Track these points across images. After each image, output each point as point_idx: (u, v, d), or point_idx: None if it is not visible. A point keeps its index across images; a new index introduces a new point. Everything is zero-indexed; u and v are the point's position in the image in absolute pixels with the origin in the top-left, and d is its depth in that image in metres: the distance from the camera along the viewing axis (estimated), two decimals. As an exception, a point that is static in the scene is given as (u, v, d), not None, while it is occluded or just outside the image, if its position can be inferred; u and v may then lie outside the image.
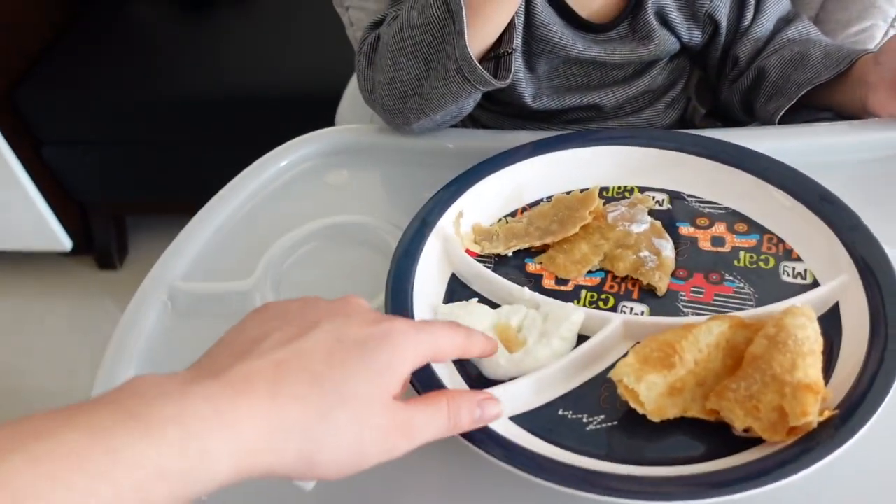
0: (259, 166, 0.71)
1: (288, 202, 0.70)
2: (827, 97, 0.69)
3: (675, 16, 0.73)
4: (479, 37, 0.64)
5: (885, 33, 0.78)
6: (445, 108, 0.67)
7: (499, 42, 0.66)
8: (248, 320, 0.42)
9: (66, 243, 1.89)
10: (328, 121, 1.00)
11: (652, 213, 0.61)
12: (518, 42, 0.73)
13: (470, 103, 0.69)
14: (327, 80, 1.32)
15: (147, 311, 0.60)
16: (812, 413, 0.43)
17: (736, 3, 0.74)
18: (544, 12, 0.73)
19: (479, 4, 0.63)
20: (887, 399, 0.44)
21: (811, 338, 0.47)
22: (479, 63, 0.63)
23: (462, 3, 0.62)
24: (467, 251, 0.60)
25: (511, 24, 0.65)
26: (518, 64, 0.74)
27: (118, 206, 1.92)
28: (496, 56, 0.66)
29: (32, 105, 1.68)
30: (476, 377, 0.52)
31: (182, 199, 1.79)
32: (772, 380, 0.45)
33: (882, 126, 0.66)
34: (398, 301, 0.54)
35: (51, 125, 1.72)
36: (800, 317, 0.48)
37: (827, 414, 0.44)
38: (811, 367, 0.45)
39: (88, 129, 1.72)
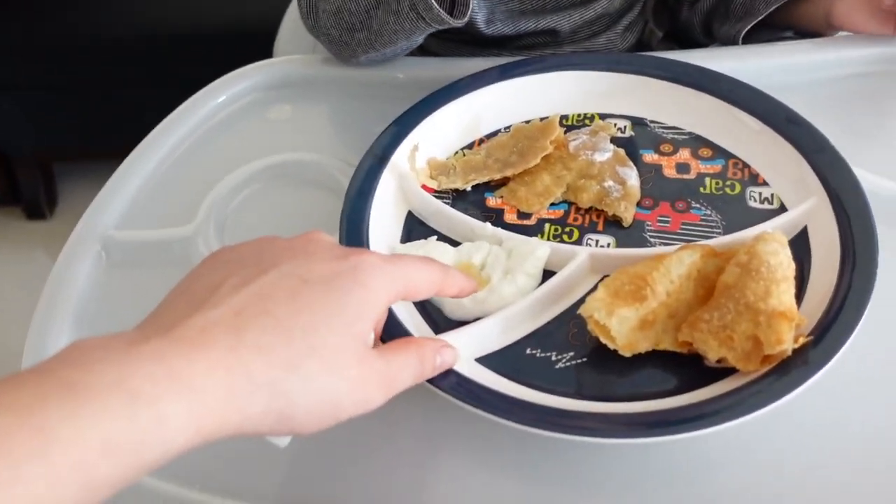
0: (194, 103, 0.67)
1: (228, 141, 0.65)
2: (790, 15, 0.67)
3: None
4: None
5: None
6: (396, 43, 0.63)
7: None
8: (199, 267, 0.38)
9: (-11, 194, 1.80)
10: (266, 54, 0.94)
11: (614, 140, 0.59)
12: None
13: (421, 38, 0.65)
14: (262, 9, 1.25)
15: (79, 264, 0.55)
16: (787, 340, 0.42)
17: None
18: None
19: None
20: (860, 324, 0.43)
21: (784, 264, 0.45)
22: None
23: None
24: (423, 187, 0.57)
25: None
26: None
27: (44, 154, 1.81)
28: None
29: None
30: (439, 319, 0.49)
31: (113, 144, 1.70)
32: (745, 308, 0.44)
33: (843, 44, 0.65)
34: (353, 243, 0.51)
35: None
36: (771, 243, 0.46)
37: (802, 340, 0.43)
38: (785, 294, 0.44)
39: (11, 72, 1.60)
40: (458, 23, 0.61)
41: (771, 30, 0.68)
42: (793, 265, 0.46)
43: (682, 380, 0.45)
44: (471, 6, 0.61)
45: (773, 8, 0.66)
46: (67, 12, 1.56)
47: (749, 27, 0.67)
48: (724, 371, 0.44)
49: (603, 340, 0.45)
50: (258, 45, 1.02)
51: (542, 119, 0.60)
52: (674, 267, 0.47)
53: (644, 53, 0.65)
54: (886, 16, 0.62)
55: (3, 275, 1.78)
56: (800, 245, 0.50)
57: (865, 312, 0.43)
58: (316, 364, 0.34)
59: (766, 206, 0.54)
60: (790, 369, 0.42)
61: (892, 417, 0.44)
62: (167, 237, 0.57)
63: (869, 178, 0.53)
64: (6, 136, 1.73)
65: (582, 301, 0.48)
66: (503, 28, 0.73)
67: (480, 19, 0.72)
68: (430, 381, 0.43)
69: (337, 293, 0.36)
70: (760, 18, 0.66)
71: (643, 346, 0.45)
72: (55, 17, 1.56)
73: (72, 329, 0.52)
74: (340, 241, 0.51)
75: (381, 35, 0.63)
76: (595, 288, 0.48)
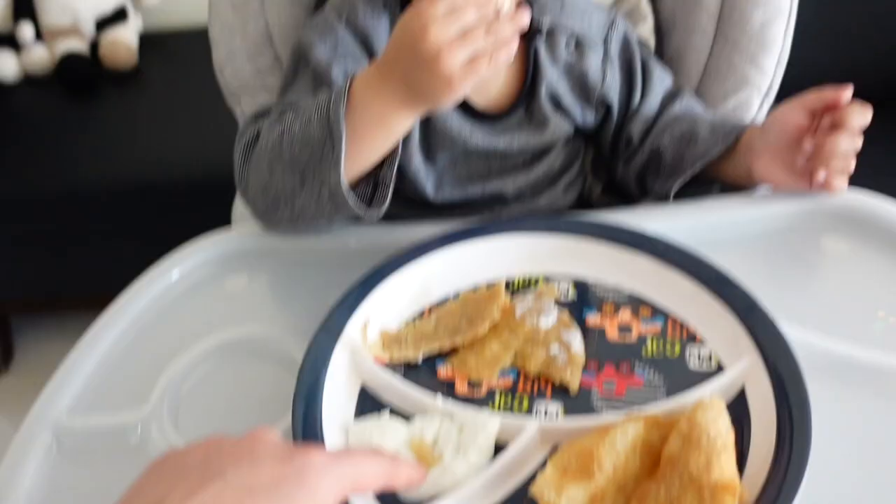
0: (150, 279, 0.68)
1: (183, 315, 0.66)
2: (716, 171, 0.72)
3: (569, 100, 0.75)
4: (358, 161, 0.62)
5: (761, 104, 0.81)
6: (318, 223, 0.66)
7: (381, 163, 0.65)
8: (143, 478, 0.38)
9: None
10: (226, 205, 0.96)
11: (558, 302, 0.61)
12: (416, 136, 0.73)
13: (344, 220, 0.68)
14: (221, 164, 1.29)
15: (28, 458, 0.55)
16: (731, 512, 0.43)
17: (625, 85, 0.76)
18: None
19: (363, 131, 0.61)
20: (799, 492, 0.44)
21: (723, 433, 0.47)
22: (358, 183, 0.63)
23: (343, 129, 0.60)
24: (376, 359, 0.58)
25: (395, 151, 0.64)
26: (417, 158, 0.74)
27: (1, 306, 1.78)
28: (376, 180, 0.65)
29: None
30: (392, 500, 0.49)
31: (72, 296, 1.71)
32: (689, 481, 0.45)
33: (767, 201, 0.69)
34: (308, 423, 0.52)
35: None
36: (710, 411, 0.48)
37: (744, 509, 0.44)
38: (726, 465, 0.45)
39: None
40: (373, 216, 0.64)
41: (700, 184, 0.73)
42: (731, 432, 0.48)
43: (635, 556, 0.45)
44: (387, 202, 0.64)
45: (699, 167, 0.70)
46: (26, 166, 1.59)
47: (681, 184, 0.71)
48: (675, 544, 0.45)
49: (553, 518, 0.46)
50: (219, 193, 1.05)
51: (488, 286, 0.63)
52: (619, 440, 0.48)
53: (583, 216, 0.68)
54: (801, 172, 0.66)
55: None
56: (739, 406, 0.52)
57: (804, 478, 0.45)
58: None
59: (705, 367, 0.56)
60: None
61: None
62: (121, 422, 0.57)
63: (798, 334, 0.55)
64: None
65: (533, 476, 0.48)
66: (451, 195, 0.76)
67: (429, 188, 0.76)
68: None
69: (282, 500, 0.36)
70: (690, 175, 0.70)
71: (594, 523, 0.46)
72: (12, 171, 1.58)
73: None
74: (294, 423, 0.52)
75: (303, 215, 0.65)
76: (545, 463, 0.49)
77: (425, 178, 0.76)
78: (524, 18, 0.56)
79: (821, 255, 0.66)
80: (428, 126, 0.73)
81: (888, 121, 1.40)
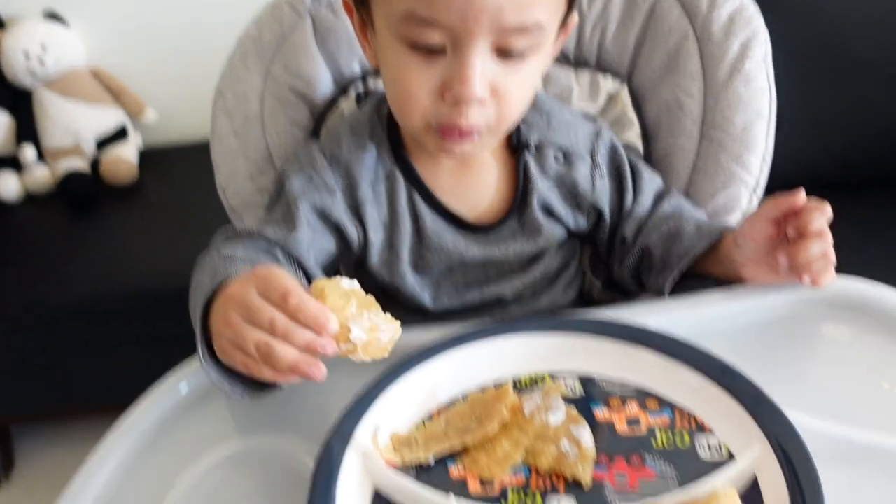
0: (159, 393, 0.68)
1: (193, 428, 0.66)
2: (707, 267, 0.74)
3: (561, 209, 0.78)
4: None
5: (749, 199, 0.85)
6: None
7: None
8: None
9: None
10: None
11: (565, 398, 0.62)
12: (405, 255, 0.76)
13: None
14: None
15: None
16: None
17: (616, 190, 0.80)
18: (434, 223, 0.76)
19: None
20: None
21: (740, 523, 0.47)
22: None
23: (198, 329, 0.59)
24: (388, 462, 0.58)
25: None
26: (410, 275, 0.77)
27: (2, 418, 1.76)
28: None
29: None
30: None
31: (74, 407, 1.70)
32: (710, 575, 0.45)
33: (760, 291, 0.70)
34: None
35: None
36: (724, 501, 0.48)
37: None
38: (745, 556, 0.45)
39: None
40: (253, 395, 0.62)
41: (696, 279, 0.75)
42: (748, 522, 0.48)
43: None
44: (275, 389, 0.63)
45: (686, 265, 0.72)
46: (28, 282, 1.61)
47: (673, 280, 0.73)
48: None
49: None
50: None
51: (496, 386, 0.63)
52: (636, 535, 0.48)
53: (584, 315, 0.70)
54: (787, 272, 0.68)
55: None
56: (753, 496, 0.52)
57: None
58: None
59: (715, 456, 0.56)
60: None
61: None
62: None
63: (804, 419, 0.56)
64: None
65: (552, 577, 0.48)
66: (450, 303, 0.78)
67: (427, 298, 0.78)
68: None
69: None
70: (679, 272, 0.73)
71: None
72: (14, 287, 1.60)
73: None
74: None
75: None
76: (563, 563, 0.48)
77: (421, 291, 0.78)
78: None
79: (822, 341, 0.67)
80: (422, 242, 0.76)
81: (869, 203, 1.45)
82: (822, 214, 0.64)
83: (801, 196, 0.65)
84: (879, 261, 1.31)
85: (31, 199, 1.84)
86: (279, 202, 0.75)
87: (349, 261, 0.78)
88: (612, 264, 0.82)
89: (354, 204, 0.74)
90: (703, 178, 0.85)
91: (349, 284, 0.56)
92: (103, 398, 1.53)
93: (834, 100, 1.57)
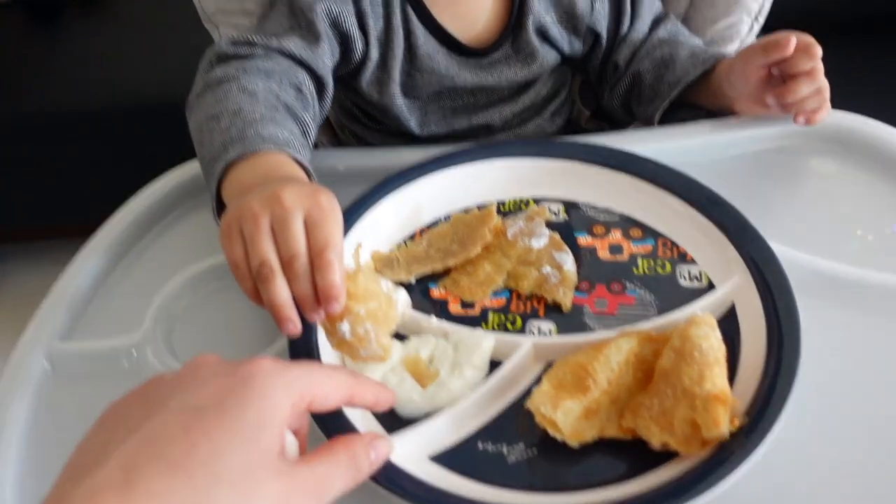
0: (135, 205, 0.67)
1: (172, 241, 0.66)
2: (699, 97, 0.71)
3: (556, 32, 0.73)
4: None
5: (750, 27, 0.81)
6: None
7: None
8: (88, 434, 0.36)
9: None
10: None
11: (549, 224, 0.62)
12: (396, 77, 0.71)
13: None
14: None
15: (23, 381, 0.55)
16: (723, 423, 0.44)
17: (614, 12, 0.75)
18: (427, 43, 0.71)
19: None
20: (789, 402, 0.46)
21: (715, 347, 0.48)
22: None
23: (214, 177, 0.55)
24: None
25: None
26: (399, 98, 0.73)
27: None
28: None
29: None
30: (390, 416, 0.50)
31: (50, 224, 1.69)
32: (682, 394, 0.46)
33: (751, 123, 0.69)
34: (301, 343, 0.52)
35: None
36: (703, 326, 0.49)
37: (737, 423, 0.45)
38: (718, 377, 0.46)
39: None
40: None
41: (688, 109, 0.73)
42: (723, 347, 0.49)
43: (630, 465, 0.47)
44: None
45: (676, 93, 0.70)
46: (9, 88, 1.55)
47: (663, 109, 0.71)
48: (669, 454, 0.46)
49: (551, 433, 0.47)
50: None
51: (479, 207, 0.62)
52: (613, 355, 0.49)
53: (572, 138, 0.68)
54: (779, 109, 0.66)
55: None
56: (730, 323, 0.53)
57: (794, 388, 0.46)
58: (225, 492, 0.32)
59: (695, 284, 0.57)
60: (730, 452, 0.44)
61: (832, 479, 0.47)
62: (115, 346, 0.57)
63: (785, 251, 0.56)
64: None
65: (528, 392, 0.49)
66: (437, 129, 0.75)
67: (414, 124, 0.75)
68: (385, 485, 0.44)
69: (231, 410, 0.34)
70: (669, 101, 0.70)
71: (589, 435, 0.47)
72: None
73: (19, 453, 0.51)
74: (289, 343, 0.52)
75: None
76: (539, 379, 0.49)
77: (409, 115, 0.74)
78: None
79: (809, 175, 0.66)
80: (412, 63, 0.72)
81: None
82: (809, 58, 0.62)
83: (789, 43, 0.62)
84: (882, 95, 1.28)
85: (-10, 5, 1.73)
86: (279, 8, 0.69)
87: (338, 74, 0.73)
88: (602, 92, 0.79)
89: (359, 12, 0.69)
90: (704, 3, 0.80)
91: (387, 288, 0.50)
92: (79, 214, 1.51)
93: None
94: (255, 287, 0.46)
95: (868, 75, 1.30)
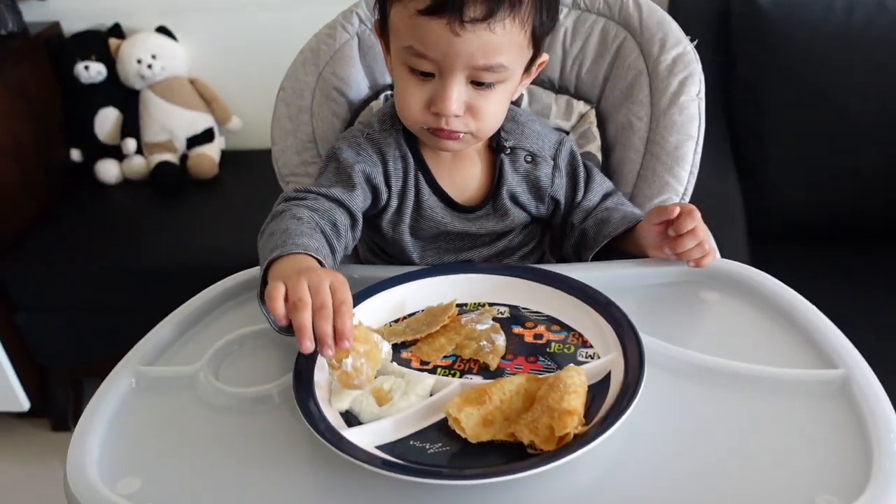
0: (201, 295, 0.95)
1: (225, 316, 0.92)
2: (627, 246, 0.96)
3: (525, 198, 1.01)
4: None
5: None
6: None
7: None
8: None
9: (24, 404, 2.01)
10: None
11: (494, 318, 0.85)
12: (407, 221, 0.99)
13: None
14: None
15: (114, 392, 0.80)
16: (570, 428, 0.65)
17: (570, 187, 1.02)
18: (430, 199, 0.99)
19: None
20: (619, 422, 0.66)
21: (577, 384, 0.69)
22: None
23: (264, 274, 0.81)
24: (359, 345, 0.82)
25: None
26: (407, 236, 1.01)
27: (77, 370, 2.07)
28: None
29: (12, 275, 1.90)
30: (355, 420, 0.72)
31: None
32: (546, 409, 0.67)
33: (655, 262, 0.92)
34: (303, 367, 0.76)
35: (26, 293, 1.92)
36: (571, 371, 0.70)
37: (580, 429, 0.65)
38: (573, 400, 0.67)
39: (58, 297, 1.93)
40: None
41: (617, 255, 0.97)
42: (585, 386, 0.70)
43: (509, 458, 0.67)
44: None
45: (604, 241, 0.95)
46: (120, 250, 1.92)
47: (594, 252, 0.96)
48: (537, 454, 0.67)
49: (457, 430, 0.68)
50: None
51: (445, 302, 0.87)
52: (507, 385, 0.71)
53: (521, 265, 0.93)
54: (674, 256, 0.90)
55: (20, 484, 1.95)
56: (604, 385, 0.74)
57: (624, 416, 0.66)
58: None
59: (588, 360, 0.78)
60: (571, 446, 0.64)
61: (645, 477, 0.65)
62: (179, 372, 0.82)
63: (657, 342, 0.78)
64: (46, 350, 2.01)
65: (450, 413, 0.71)
66: (431, 261, 1.03)
67: (416, 256, 1.02)
68: (344, 452, 0.65)
69: None
70: (599, 247, 0.95)
71: (485, 437, 0.68)
72: (109, 253, 1.92)
73: (107, 434, 0.75)
74: (294, 372, 0.76)
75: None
76: (457, 399, 0.71)
77: (413, 249, 1.02)
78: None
79: (696, 301, 0.88)
80: (419, 212, 1.00)
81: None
82: (692, 219, 0.86)
83: (674, 210, 0.87)
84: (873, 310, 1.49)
85: (127, 184, 2.17)
86: (330, 169, 0.98)
87: (367, 215, 1.01)
88: (561, 243, 1.05)
89: (386, 174, 0.98)
90: (644, 185, 1.07)
91: (376, 339, 0.76)
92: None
93: (832, 155, 1.74)
94: (286, 314, 0.71)
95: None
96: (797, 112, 1.71)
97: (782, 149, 1.74)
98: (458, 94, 0.86)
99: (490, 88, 0.88)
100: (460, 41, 0.82)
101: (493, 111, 0.90)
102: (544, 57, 0.95)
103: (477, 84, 0.87)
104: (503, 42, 0.84)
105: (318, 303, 0.71)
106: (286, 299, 0.72)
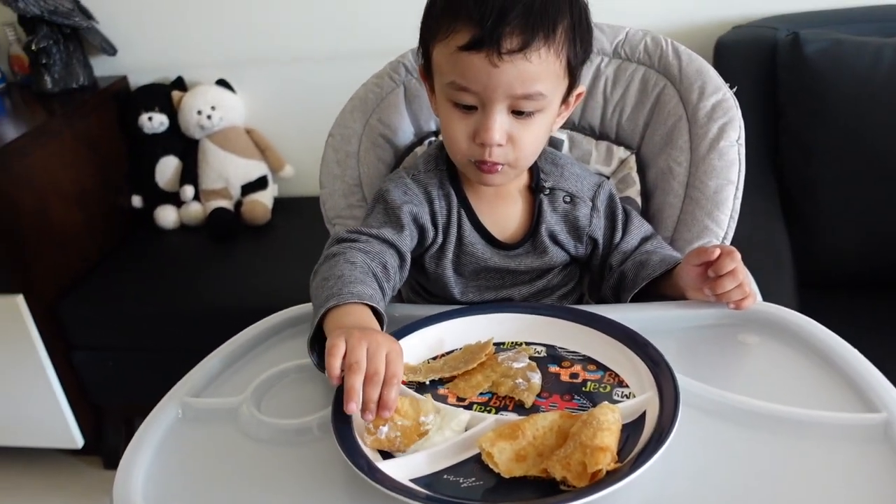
0: (246, 331, 0.98)
1: (269, 351, 0.95)
2: (667, 289, 0.96)
3: (564, 237, 1.03)
4: None
5: (720, 247, 1.06)
6: None
7: None
8: None
9: (78, 441, 2.07)
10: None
11: (531, 357, 0.86)
12: (450, 256, 1.02)
13: None
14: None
15: (162, 418, 0.83)
16: (602, 464, 0.65)
17: (608, 228, 1.04)
18: (472, 236, 1.02)
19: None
20: (649, 463, 0.66)
21: (610, 421, 0.69)
22: None
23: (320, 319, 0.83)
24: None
25: None
26: (449, 272, 1.03)
27: (130, 409, 2.12)
28: None
29: (72, 315, 1.97)
30: (388, 453, 0.74)
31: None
32: (579, 445, 0.67)
33: (695, 305, 0.92)
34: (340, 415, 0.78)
35: (84, 333, 2.00)
36: (605, 409, 0.71)
37: (613, 465, 0.66)
38: (606, 437, 0.68)
39: (114, 337, 2.00)
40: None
41: (656, 298, 0.97)
42: (619, 423, 0.70)
43: (541, 494, 0.67)
44: None
45: (643, 283, 0.95)
46: (177, 292, 1.98)
47: (632, 294, 0.96)
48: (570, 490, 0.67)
49: (489, 465, 0.69)
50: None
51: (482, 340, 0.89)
52: (539, 421, 0.72)
53: (560, 305, 0.94)
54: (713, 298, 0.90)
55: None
56: (639, 424, 0.74)
57: (658, 454, 0.66)
58: None
59: (624, 399, 0.78)
60: (603, 483, 0.65)
61: None
62: (224, 404, 0.84)
63: (694, 383, 0.78)
64: (101, 389, 2.07)
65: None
66: (472, 298, 1.04)
67: (457, 293, 1.04)
68: (380, 484, 0.66)
69: None
70: (638, 289, 0.96)
71: (518, 472, 0.69)
72: (166, 295, 1.98)
73: (153, 461, 0.78)
74: (333, 411, 0.77)
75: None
76: (492, 435, 0.72)
77: (454, 285, 1.04)
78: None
79: (735, 344, 0.88)
80: (461, 248, 1.02)
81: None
82: (732, 260, 0.86)
83: (714, 251, 0.87)
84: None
85: (184, 229, 2.25)
86: (378, 209, 1.02)
87: (413, 254, 1.04)
88: (600, 285, 1.06)
89: (432, 212, 1.02)
90: (684, 229, 1.08)
91: (423, 420, 0.75)
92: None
93: (880, 203, 1.71)
94: (340, 374, 0.74)
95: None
96: (844, 160, 1.69)
97: (830, 197, 1.72)
98: (500, 123, 0.90)
99: (530, 117, 0.91)
100: (499, 72, 0.86)
101: (531, 140, 0.93)
102: (581, 88, 0.98)
103: (517, 114, 0.91)
104: (540, 71, 0.87)
105: (371, 369, 0.74)
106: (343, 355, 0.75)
